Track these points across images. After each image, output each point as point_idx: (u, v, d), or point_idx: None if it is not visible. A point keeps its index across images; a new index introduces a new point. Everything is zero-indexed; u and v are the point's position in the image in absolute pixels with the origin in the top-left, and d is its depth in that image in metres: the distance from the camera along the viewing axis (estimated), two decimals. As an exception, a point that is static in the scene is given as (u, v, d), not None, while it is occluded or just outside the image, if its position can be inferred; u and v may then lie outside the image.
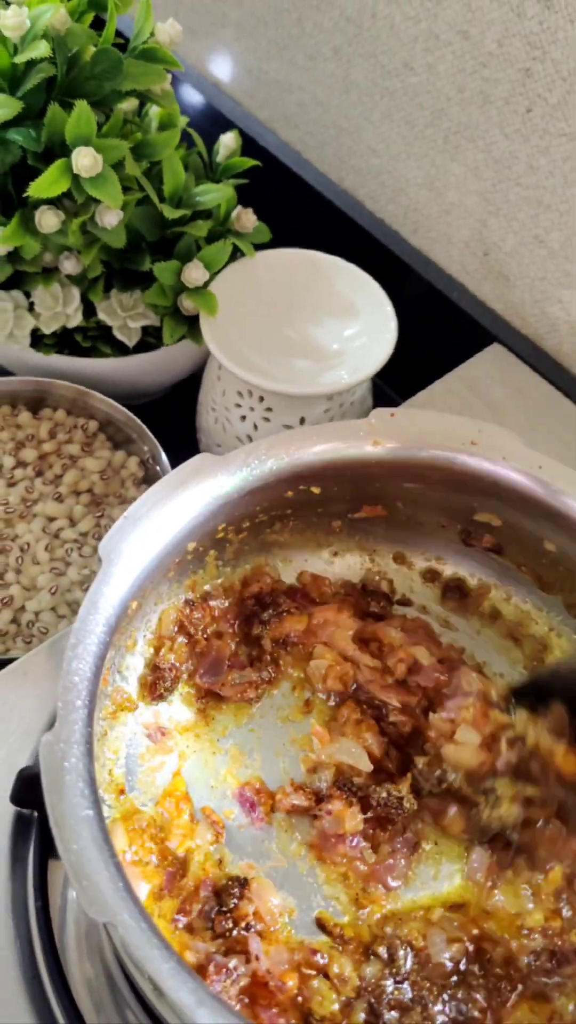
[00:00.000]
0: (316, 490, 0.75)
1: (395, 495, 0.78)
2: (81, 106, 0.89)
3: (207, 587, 0.79)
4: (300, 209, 1.22)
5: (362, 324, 1.03)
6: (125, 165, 0.96)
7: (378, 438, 0.73)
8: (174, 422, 1.13)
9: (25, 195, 0.91)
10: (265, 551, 0.81)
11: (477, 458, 0.73)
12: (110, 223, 0.97)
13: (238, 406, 1.01)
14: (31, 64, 0.91)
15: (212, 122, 1.32)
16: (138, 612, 0.70)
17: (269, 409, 0.99)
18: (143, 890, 0.67)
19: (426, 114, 1.08)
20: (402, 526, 0.82)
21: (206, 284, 1.03)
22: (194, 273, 1.02)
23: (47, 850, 0.76)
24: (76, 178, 0.91)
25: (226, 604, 0.79)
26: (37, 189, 0.90)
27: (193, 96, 1.33)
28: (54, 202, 0.96)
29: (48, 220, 0.95)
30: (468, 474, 0.74)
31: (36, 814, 0.77)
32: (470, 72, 1.00)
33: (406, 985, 0.65)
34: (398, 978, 0.66)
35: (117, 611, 0.64)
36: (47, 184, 0.90)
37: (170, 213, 1.01)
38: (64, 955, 0.73)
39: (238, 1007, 0.62)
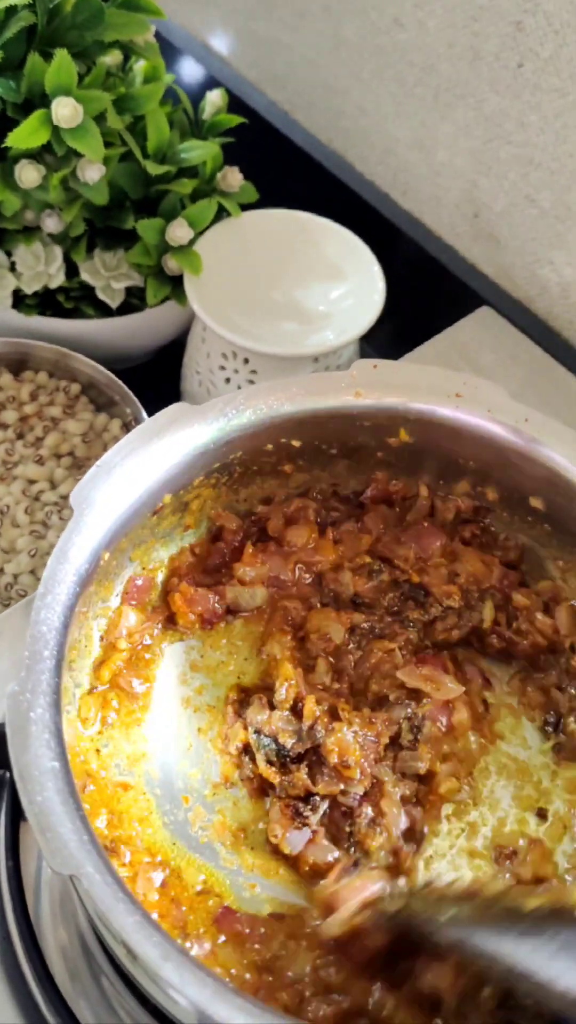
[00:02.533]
0: (296, 443, 0.74)
1: (378, 449, 0.76)
2: (61, 55, 0.88)
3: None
4: (288, 170, 1.20)
5: (350, 286, 1.01)
6: (107, 118, 0.94)
7: (360, 390, 0.71)
8: (158, 387, 1.11)
9: (4, 145, 0.89)
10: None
11: (462, 411, 0.71)
12: (92, 178, 0.95)
13: (222, 368, 1.00)
14: (11, 12, 0.89)
15: (200, 83, 1.29)
16: (111, 564, 0.68)
17: (254, 372, 0.98)
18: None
19: (416, 71, 1.06)
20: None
21: (191, 243, 1.01)
22: (178, 231, 1.00)
23: (19, 811, 0.74)
24: (56, 130, 0.89)
25: None
26: (16, 139, 0.88)
27: (181, 57, 1.31)
28: (35, 156, 0.94)
29: (28, 174, 0.94)
30: (453, 427, 0.72)
31: (8, 774, 0.75)
32: (460, 27, 0.98)
33: None
34: None
35: (88, 561, 0.63)
36: (26, 134, 0.88)
37: (154, 169, 0.99)
38: (39, 922, 0.72)
39: None
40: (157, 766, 0.70)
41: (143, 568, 0.75)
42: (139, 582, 0.74)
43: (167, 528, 0.75)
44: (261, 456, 0.74)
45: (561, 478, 0.71)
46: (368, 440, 0.75)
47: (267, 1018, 0.49)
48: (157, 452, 0.67)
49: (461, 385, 0.72)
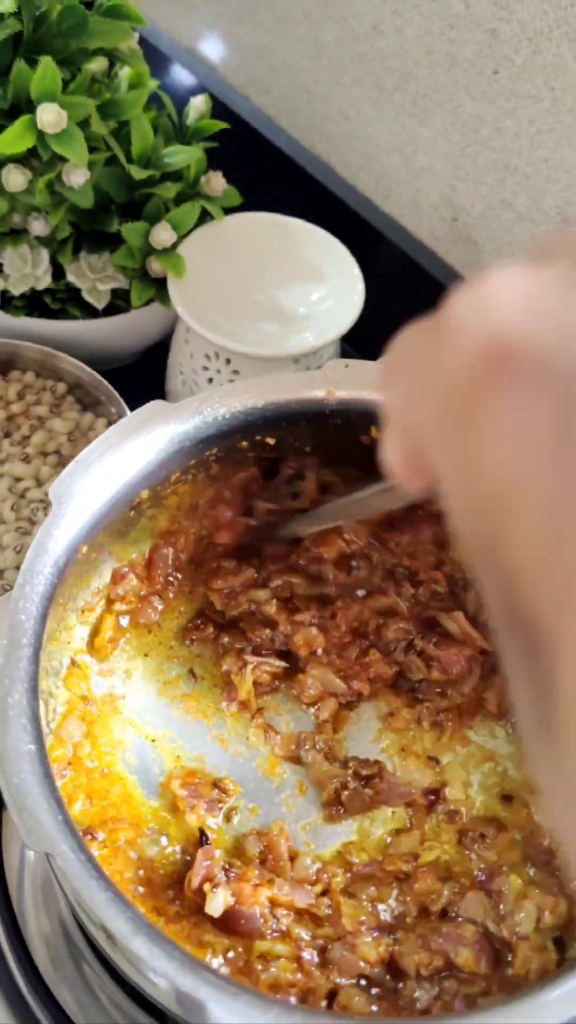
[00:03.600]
0: (271, 440, 0.76)
1: (351, 448, 0.78)
2: (46, 62, 0.89)
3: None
4: (272, 175, 1.22)
5: (329, 288, 1.03)
6: (91, 123, 0.95)
7: (331, 388, 0.73)
8: (144, 387, 1.12)
9: (-10, 152, 0.91)
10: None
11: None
12: (77, 182, 0.97)
13: (205, 369, 1.01)
14: (-4, 20, 0.91)
15: (185, 88, 1.31)
16: (89, 559, 0.70)
17: (236, 372, 0.99)
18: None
19: (395, 77, 1.08)
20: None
21: (174, 246, 1.03)
22: (162, 235, 1.02)
23: (0, 798, 0.76)
24: (41, 135, 0.91)
25: None
26: (1, 144, 0.90)
27: (166, 62, 1.33)
28: (21, 161, 0.96)
29: (14, 178, 0.95)
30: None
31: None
32: (438, 34, 1.00)
33: None
34: None
35: (67, 554, 0.65)
36: (11, 140, 0.90)
37: (138, 174, 1.01)
38: (21, 909, 0.74)
39: None
40: (134, 753, 0.72)
41: (122, 561, 0.77)
42: (126, 569, 0.77)
43: (145, 523, 0.77)
44: (236, 453, 0.76)
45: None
46: (340, 438, 0.77)
47: (233, 991, 0.51)
48: (135, 448, 0.69)
49: (430, 384, 0.74)
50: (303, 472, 0.81)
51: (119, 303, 1.10)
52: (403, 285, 1.15)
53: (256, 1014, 0.50)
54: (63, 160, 0.94)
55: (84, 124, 0.94)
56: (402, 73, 1.07)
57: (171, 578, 0.79)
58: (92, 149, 0.96)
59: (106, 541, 0.72)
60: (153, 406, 0.71)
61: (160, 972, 0.51)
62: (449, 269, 1.14)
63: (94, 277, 1.07)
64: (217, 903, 0.62)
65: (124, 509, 0.71)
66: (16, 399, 1.07)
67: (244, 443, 0.75)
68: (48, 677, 0.69)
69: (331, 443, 0.77)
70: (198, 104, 1.10)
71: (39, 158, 0.94)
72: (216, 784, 0.72)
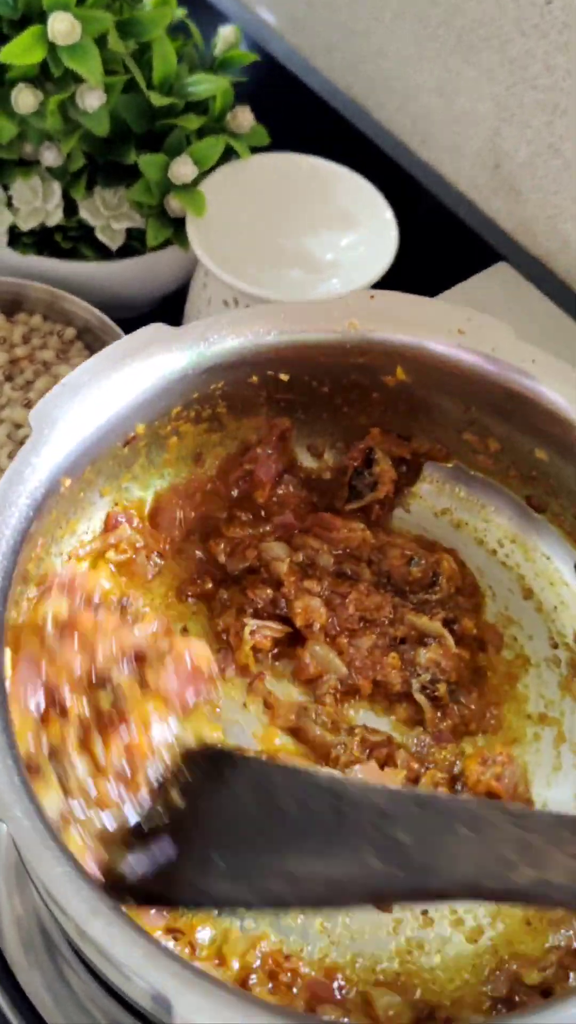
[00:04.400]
0: (284, 377, 0.68)
1: (373, 389, 0.70)
2: (59, -33, 0.83)
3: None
4: (305, 117, 1.16)
5: (361, 234, 0.97)
6: (109, 41, 0.89)
7: (354, 320, 0.66)
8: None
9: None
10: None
11: (464, 349, 0.66)
12: (91, 105, 0.90)
13: (223, 316, 0.95)
14: None
15: (214, 27, 1.25)
16: (75, 497, 0.63)
17: (256, 320, 0.93)
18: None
19: (440, 11, 1.01)
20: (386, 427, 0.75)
21: (195, 183, 0.96)
22: (182, 169, 0.95)
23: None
24: (53, 48, 0.85)
25: None
26: (9, 54, 0.83)
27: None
28: (33, 81, 0.89)
29: (25, 99, 0.89)
30: (453, 366, 0.67)
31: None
32: (488, -41, 0.93)
33: None
34: None
35: (45, 485, 0.58)
36: (19, 51, 0.84)
37: (158, 101, 0.94)
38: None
39: None
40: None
41: (117, 506, 0.70)
42: (121, 518, 0.70)
43: (143, 465, 0.70)
44: (245, 389, 0.69)
45: (569, 426, 0.65)
46: (362, 378, 0.69)
47: (203, 984, 0.44)
48: (130, 374, 0.62)
49: (464, 321, 0.67)
50: (372, 456, 0.74)
51: (134, 244, 1.03)
52: (438, 234, 1.08)
53: (228, 1013, 0.43)
54: (78, 81, 0.88)
55: (101, 42, 0.88)
56: (447, 6, 1.00)
57: (175, 535, 0.72)
58: (110, 72, 0.90)
59: (94, 478, 0.65)
60: (153, 329, 0.64)
61: (121, 961, 0.44)
62: (488, 219, 1.07)
63: (108, 214, 1.00)
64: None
65: (115, 442, 0.64)
66: (21, 342, 1.01)
67: (254, 378, 0.68)
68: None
69: (351, 383, 0.70)
70: (227, 34, 1.04)
71: (52, 79, 0.88)
72: None
